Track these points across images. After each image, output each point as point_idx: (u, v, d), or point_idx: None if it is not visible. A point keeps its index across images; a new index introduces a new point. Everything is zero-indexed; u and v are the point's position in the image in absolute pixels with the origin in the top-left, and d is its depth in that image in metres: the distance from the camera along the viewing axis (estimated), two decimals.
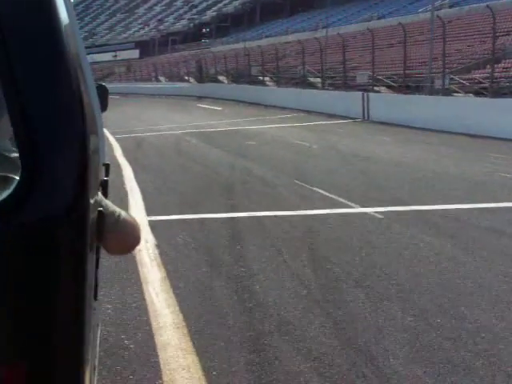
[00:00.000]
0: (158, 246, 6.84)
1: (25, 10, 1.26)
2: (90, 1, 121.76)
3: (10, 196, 1.25)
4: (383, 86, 34.08)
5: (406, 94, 28.58)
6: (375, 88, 33.41)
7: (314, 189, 10.50)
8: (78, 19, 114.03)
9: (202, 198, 9.99)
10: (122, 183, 11.50)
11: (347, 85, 33.99)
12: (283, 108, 36.17)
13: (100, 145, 1.76)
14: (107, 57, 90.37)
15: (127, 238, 1.82)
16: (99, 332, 2.69)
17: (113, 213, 1.73)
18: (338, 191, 10.20)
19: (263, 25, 78.86)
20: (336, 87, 37.00)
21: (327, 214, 8.44)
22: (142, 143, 20.60)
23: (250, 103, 42.12)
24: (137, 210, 8.67)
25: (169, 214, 8.51)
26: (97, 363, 2.28)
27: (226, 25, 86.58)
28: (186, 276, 5.85)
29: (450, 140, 19.85)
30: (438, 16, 28.30)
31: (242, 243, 7.00)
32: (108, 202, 1.76)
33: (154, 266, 6.11)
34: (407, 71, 33.53)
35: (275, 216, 8.42)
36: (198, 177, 12.52)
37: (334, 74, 40.02)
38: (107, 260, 5.62)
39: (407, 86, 31.49)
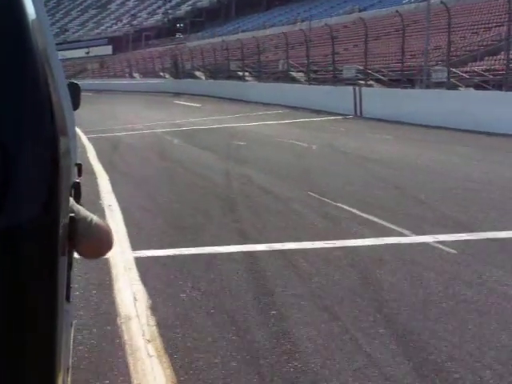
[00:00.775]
0: (153, 309, 4.69)
1: None
2: None
3: None
4: (373, 80, 32.18)
5: (402, 88, 26.64)
6: (364, 82, 31.59)
7: (338, 205, 8.46)
8: (49, 15, 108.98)
9: (200, 219, 7.96)
10: (98, 197, 9.47)
11: (336, 79, 32.01)
12: (266, 104, 34.18)
13: (71, 145, 1.74)
14: (79, 53, 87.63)
15: (100, 243, 1.83)
16: (72, 333, 2.43)
17: (85, 218, 1.74)
18: (370, 208, 8.14)
19: (239, 19, 76.60)
20: (320, 82, 35.08)
21: (375, 247, 6.34)
22: (119, 144, 18.66)
23: (230, 99, 40.05)
24: (118, 239, 6.63)
25: (162, 247, 6.47)
26: (70, 364, 2.17)
27: (201, 20, 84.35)
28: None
29: (462, 138, 17.91)
30: (443, 3, 26.47)
31: (275, 303, 4.90)
32: (80, 207, 1.77)
33: (152, 357, 3.91)
34: (399, 64, 31.87)
35: (305, 250, 6.34)
36: (189, 188, 10.50)
37: (318, 68, 38.24)
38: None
39: (398, 79, 29.75)
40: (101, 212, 8.14)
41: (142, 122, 25.69)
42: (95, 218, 1.80)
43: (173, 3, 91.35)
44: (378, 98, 25.41)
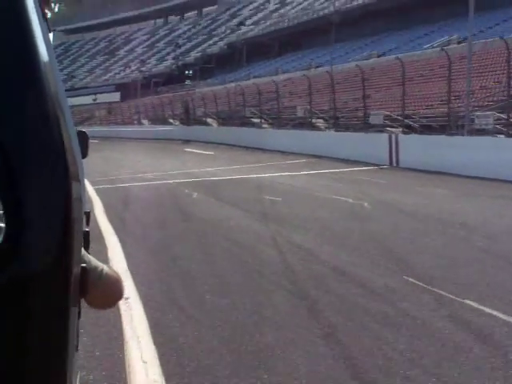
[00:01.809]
0: None
1: (3, 45, 1.18)
2: (70, 43, 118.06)
3: None
4: (403, 126, 29.66)
5: (448, 134, 24.03)
6: (394, 128, 29.13)
7: (466, 302, 5.63)
8: (57, 62, 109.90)
9: (262, 326, 5.21)
10: None
11: (367, 125, 29.44)
12: (285, 153, 31.75)
13: (82, 192, 1.70)
14: (87, 100, 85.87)
15: (110, 293, 1.79)
16: (78, 378, 2.15)
17: (95, 268, 1.71)
18: None
19: (250, 66, 74.83)
20: (346, 129, 32.58)
21: None
22: (129, 197, 16.38)
23: (245, 147, 37.61)
24: (140, 360, 3.91)
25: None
26: None
27: (211, 66, 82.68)
28: None
29: None
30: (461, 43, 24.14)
31: None
32: (90, 256, 1.75)
33: None
34: (428, 110, 29.50)
35: None
36: (230, 264, 7.79)
37: (342, 114, 35.88)
38: None
39: (430, 125, 27.35)
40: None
41: (152, 172, 23.44)
42: (106, 268, 1.73)
43: (182, 50, 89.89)
44: (418, 146, 22.79)
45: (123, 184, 19.24)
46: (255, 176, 21.36)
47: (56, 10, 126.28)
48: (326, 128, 36.10)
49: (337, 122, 31.94)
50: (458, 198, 14.78)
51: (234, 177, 21.31)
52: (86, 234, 1.99)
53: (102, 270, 1.73)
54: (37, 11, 1.33)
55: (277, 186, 17.88)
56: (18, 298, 1.21)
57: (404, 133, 26.95)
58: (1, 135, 1.16)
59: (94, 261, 1.73)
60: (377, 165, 23.87)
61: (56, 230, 1.22)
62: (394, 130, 28.25)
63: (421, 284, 6.41)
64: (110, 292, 1.79)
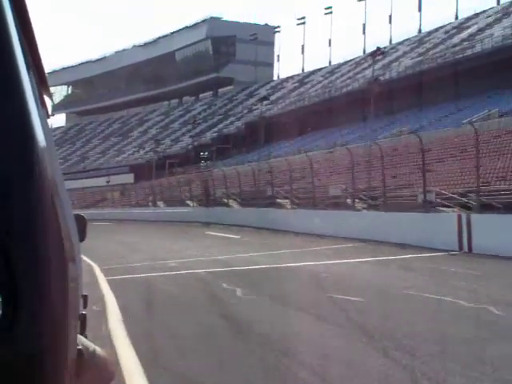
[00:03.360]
0: None
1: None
2: (83, 125, 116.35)
3: None
4: (456, 204, 25.90)
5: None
6: (441, 208, 25.44)
7: None
8: (69, 144, 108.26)
9: None
10: None
11: (430, 204, 25.51)
12: (321, 236, 27.87)
13: (79, 274, 1.83)
14: (100, 182, 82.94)
15: (102, 373, 1.81)
16: None
17: (87, 348, 1.71)
18: None
19: (269, 146, 71.62)
20: (388, 209, 28.75)
21: None
22: (153, 294, 12.84)
23: (271, 230, 33.76)
24: None
25: None
26: None
27: (227, 146, 79.85)
28: None
29: None
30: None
31: None
32: (82, 338, 1.73)
33: None
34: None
35: None
36: None
37: (378, 194, 32.19)
38: None
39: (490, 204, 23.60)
40: None
41: (174, 258, 19.90)
42: (98, 349, 1.76)
43: (197, 130, 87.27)
44: (496, 228, 18.89)
45: (142, 274, 15.72)
46: (302, 264, 17.63)
47: (69, 92, 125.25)
48: (363, 208, 32.38)
49: (385, 202, 27.94)
50: None
51: (276, 265, 17.59)
52: (83, 317, 2.07)
53: (95, 350, 1.75)
54: (35, 99, 1.38)
55: (340, 279, 14.08)
56: (11, 381, 1.16)
57: (468, 211, 23.05)
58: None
59: (85, 341, 1.73)
60: (444, 250, 19.92)
61: (51, 312, 1.19)
62: (454, 208, 24.48)
63: None
64: (103, 373, 1.82)
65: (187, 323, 9.31)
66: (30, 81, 1.35)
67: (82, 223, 3.61)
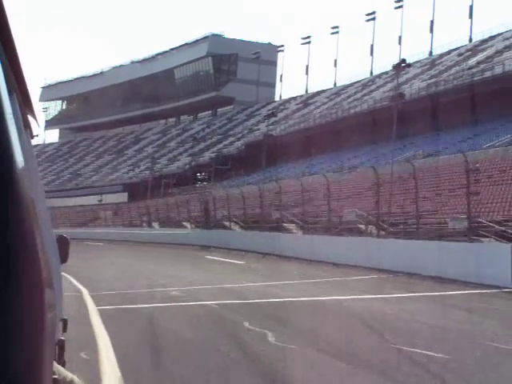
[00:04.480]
0: None
1: None
2: (77, 141, 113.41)
3: None
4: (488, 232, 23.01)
5: None
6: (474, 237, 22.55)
7: None
8: (62, 160, 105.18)
9: None
10: None
11: (475, 232, 22.53)
12: (337, 265, 25.00)
13: (57, 299, 1.75)
14: (92, 200, 79.85)
15: None
16: None
17: (64, 378, 1.69)
18: None
19: (270, 168, 68.67)
20: (407, 236, 25.85)
21: None
22: (159, 336, 10.04)
23: (281, 256, 30.67)
24: None
25: None
26: None
27: (227, 167, 76.83)
28: None
29: None
30: None
31: None
32: (59, 366, 1.71)
33: None
34: None
35: None
36: None
37: (398, 220, 29.43)
38: None
39: None
40: None
41: (175, 285, 17.49)
42: (76, 379, 1.74)
43: (195, 150, 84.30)
44: None
45: (141, 304, 13.35)
46: (331, 299, 14.85)
47: (63, 107, 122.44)
48: (382, 235, 29.44)
49: (418, 228, 24.89)
50: None
51: (299, 299, 14.78)
52: (62, 343, 2.01)
53: (72, 380, 1.72)
54: (16, 121, 1.36)
55: (391, 321, 11.28)
56: None
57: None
58: None
59: (63, 371, 1.71)
60: (493, 286, 17.01)
61: (26, 338, 1.14)
62: (490, 237, 21.55)
63: None
64: None
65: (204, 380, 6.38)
66: (12, 103, 1.36)
67: (64, 244, 3.50)
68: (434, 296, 15.73)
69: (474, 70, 52.49)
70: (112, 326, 10.26)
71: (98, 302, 13.35)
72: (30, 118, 2.33)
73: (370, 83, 74.20)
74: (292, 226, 37.94)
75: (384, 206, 28.94)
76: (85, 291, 15.65)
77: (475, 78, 50.14)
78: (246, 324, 10.60)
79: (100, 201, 79.93)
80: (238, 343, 9.14)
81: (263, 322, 10.83)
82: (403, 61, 35.88)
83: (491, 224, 22.90)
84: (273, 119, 75.46)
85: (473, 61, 56.94)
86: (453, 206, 28.84)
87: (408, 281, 19.62)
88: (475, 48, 62.59)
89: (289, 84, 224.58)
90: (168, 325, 10.98)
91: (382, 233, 29.10)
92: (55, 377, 1.51)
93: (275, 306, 13.74)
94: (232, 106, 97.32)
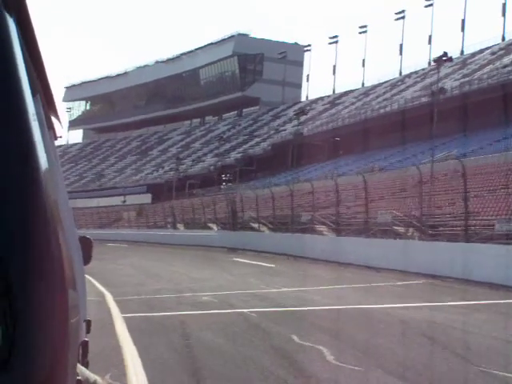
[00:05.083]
0: None
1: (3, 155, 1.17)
2: (100, 142, 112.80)
3: None
4: None
5: None
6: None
7: None
8: (86, 161, 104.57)
9: None
10: None
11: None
12: (375, 268, 23.48)
13: (81, 300, 1.72)
14: (115, 201, 78.88)
15: None
16: None
17: (88, 379, 1.67)
18: None
19: (297, 169, 67.17)
20: (450, 238, 24.21)
21: None
22: (197, 352, 8.62)
23: (312, 259, 29.18)
24: None
25: None
26: None
27: (252, 168, 75.49)
28: None
29: None
30: None
31: None
32: (83, 368, 1.68)
33: None
34: None
35: None
36: None
37: (438, 222, 27.81)
38: None
39: None
40: None
41: (204, 290, 16.29)
42: (99, 380, 1.73)
43: (220, 150, 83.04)
44: None
45: (169, 311, 12.24)
46: (379, 307, 13.47)
47: (87, 107, 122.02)
48: (417, 238, 27.88)
49: (466, 231, 23.15)
50: None
51: (343, 307, 13.50)
52: (85, 344, 1.99)
53: (95, 382, 1.73)
54: (39, 122, 1.36)
55: (461, 334, 9.85)
56: None
57: None
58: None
59: (86, 372, 1.69)
60: None
61: (50, 339, 1.15)
62: None
63: None
64: None
65: None
66: (36, 105, 1.37)
67: (87, 246, 3.47)
68: (496, 305, 14.20)
69: (509, 69, 50.69)
70: (140, 340, 8.95)
71: (123, 308, 12.24)
72: (53, 119, 2.35)
73: (400, 83, 72.62)
74: (323, 228, 36.50)
75: (425, 207, 27.38)
76: (108, 294, 14.71)
77: (511, 77, 48.36)
78: (295, 338, 9.17)
79: (124, 202, 78.99)
80: (291, 363, 7.68)
81: (313, 336, 9.40)
82: (445, 54, 34.20)
83: None
84: (303, 117, 73.99)
85: (507, 59, 55.09)
86: (495, 208, 27.21)
87: (457, 286, 18.12)
88: (508, 47, 60.74)
89: (315, 84, 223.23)
90: (204, 337, 9.56)
91: (421, 235, 27.55)
92: (79, 378, 1.50)
93: (319, 315, 12.34)
94: (257, 107, 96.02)
